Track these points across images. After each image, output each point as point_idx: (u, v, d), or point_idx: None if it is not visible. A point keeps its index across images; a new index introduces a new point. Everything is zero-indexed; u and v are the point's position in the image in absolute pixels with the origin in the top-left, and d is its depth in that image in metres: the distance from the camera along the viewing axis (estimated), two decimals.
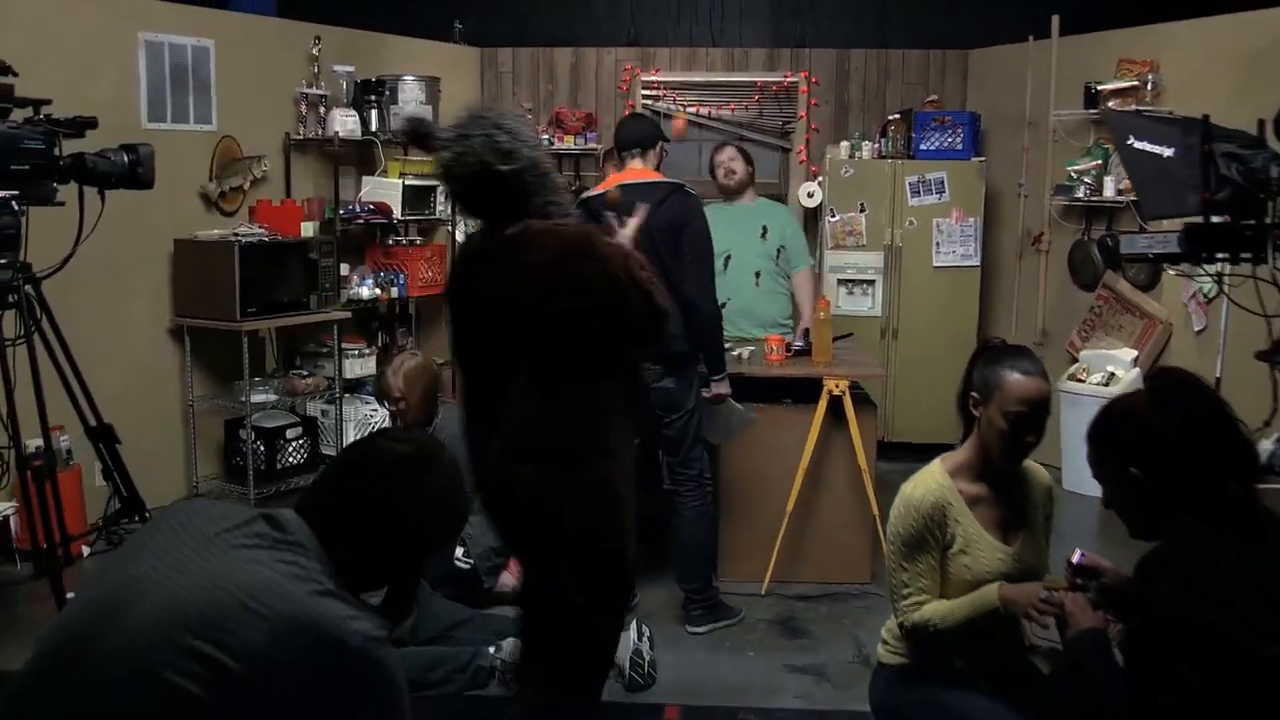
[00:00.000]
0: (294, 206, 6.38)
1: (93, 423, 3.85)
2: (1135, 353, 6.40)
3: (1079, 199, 6.66)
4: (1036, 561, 2.80)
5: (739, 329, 5.37)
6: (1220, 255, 3.53)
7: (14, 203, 3.37)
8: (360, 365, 6.63)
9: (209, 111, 6.11)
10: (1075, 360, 6.68)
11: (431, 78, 6.96)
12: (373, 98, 6.75)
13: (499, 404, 2.95)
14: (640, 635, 4.10)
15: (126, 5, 5.72)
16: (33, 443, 3.94)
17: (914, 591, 2.74)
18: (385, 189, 6.80)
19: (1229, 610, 1.95)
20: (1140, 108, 6.26)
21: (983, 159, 7.13)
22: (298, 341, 6.60)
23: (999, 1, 7.71)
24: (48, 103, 3.55)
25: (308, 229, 6.31)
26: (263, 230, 6.06)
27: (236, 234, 5.86)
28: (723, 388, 4.51)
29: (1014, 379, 2.69)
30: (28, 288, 3.53)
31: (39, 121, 3.48)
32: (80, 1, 5.46)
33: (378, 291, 6.75)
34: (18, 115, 3.46)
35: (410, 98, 6.82)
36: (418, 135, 2.99)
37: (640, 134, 4.56)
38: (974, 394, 2.77)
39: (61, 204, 3.59)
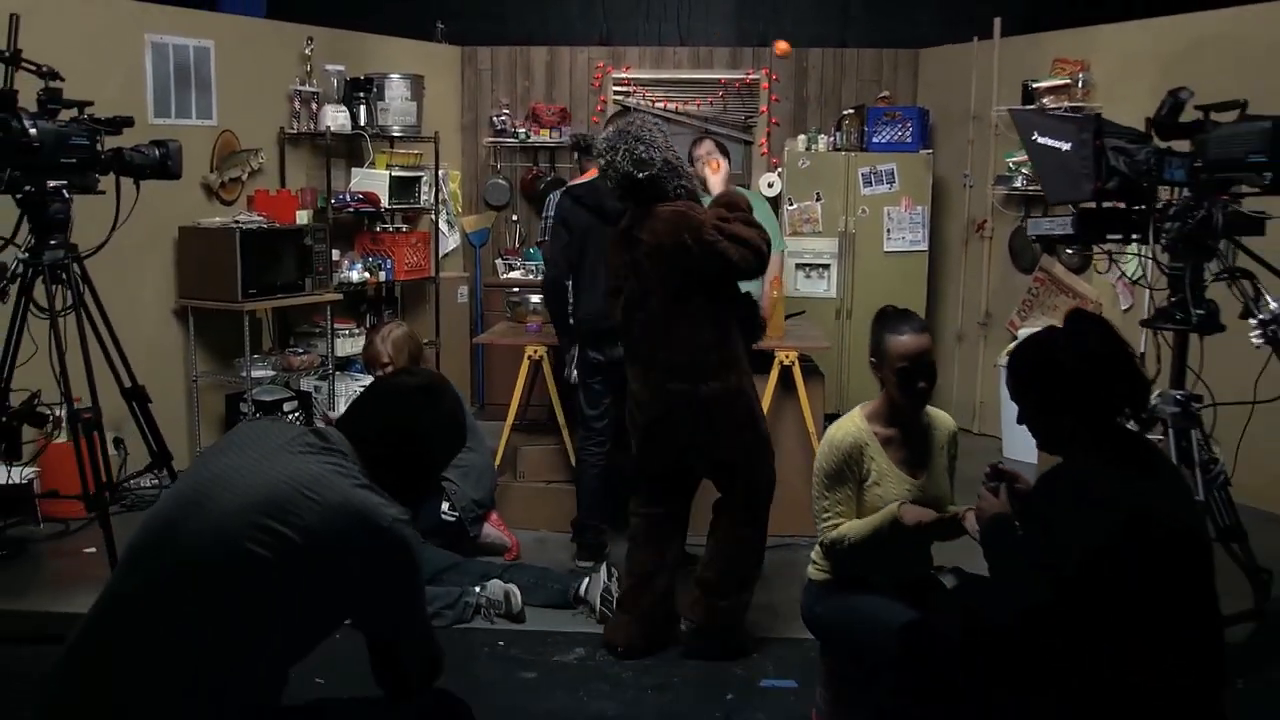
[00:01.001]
0: (289, 196, 6.83)
1: (128, 384, 4.33)
2: None
3: (1017, 188, 7.20)
4: (939, 493, 3.32)
5: None
6: (1112, 236, 4.04)
7: (64, 191, 3.85)
8: (350, 344, 7.10)
9: (210, 107, 6.55)
10: (1015, 338, 7.20)
11: (416, 75, 7.43)
12: (361, 94, 7.19)
13: (651, 346, 4.08)
14: (610, 576, 4.61)
15: (134, 9, 6.17)
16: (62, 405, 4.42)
17: (833, 515, 3.27)
18: (373, 180, 7.26)
19: (1104, 519, 2.45)
20: (1072, 104, 6.79)
21: (930, 151, 7.65)
22: (292, 321, 7.08)
23: (948, 3, 8.23)
24: (90, 104, 4.03)
25: (302, 217, 6.77)
26: (261, 218, 6.50)
27: (237, 221, 6.30)
28: None
29: (895, 340, 3.25)
30: (74, 265, 4.02)
31: (84, 120, 3.95)
32: (92, 6, 5.89)
33: (366, 275, 7.21)
34: (64, 115, 3.93)
35: (396, 94, 7.29)
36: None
37: None
38: (872, 358, 3.31)
39: (102, 193, 4.06)
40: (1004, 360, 6.89)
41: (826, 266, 7.65)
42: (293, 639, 2.23)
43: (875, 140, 7.63)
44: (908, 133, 7.60)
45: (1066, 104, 6.81)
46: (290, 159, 7.14)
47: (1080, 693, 2.46)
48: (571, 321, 5.13)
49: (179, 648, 2.10)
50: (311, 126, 7.06)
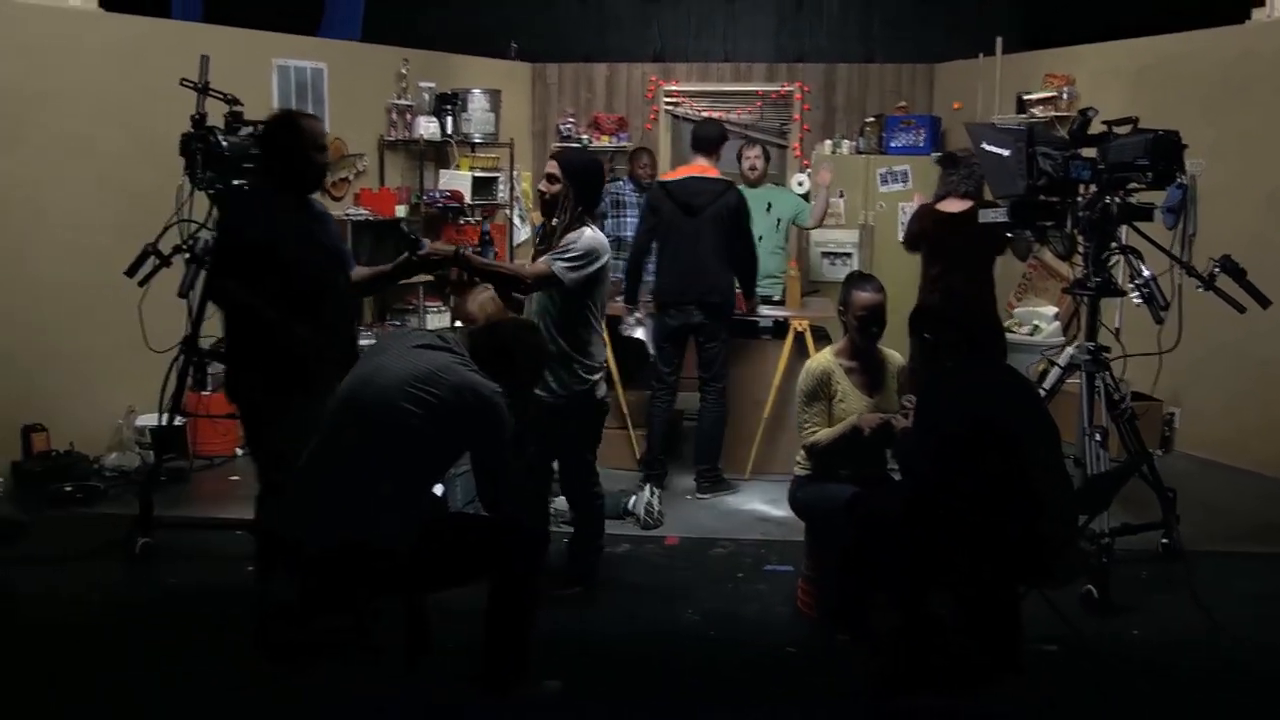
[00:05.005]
0: (388, 193, 8.08)
1: None
2: (1056, 309, 8.02)
3: None
4: (889, 408, 4.46)
5: None
6: (1045, 223, 5.13)
7: (245, 187, 5.08)
8: (437, 320, 8.31)
9: (323, 118, 7.69)
10: (1010, 316, 8.27)
11: (494, 90, 8.67)
12: (448, 107, 8.44)
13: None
14: (652, 494, 5.82)
15: (265, 38, 7.46)
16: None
17: (810, 425, 4.45)
18: (458, 180, 8.52)
19: (958, 412, 3.64)
20: (1058, 113, 7.86)
21: (940, 153, 8.72)
22: (390, 299, 8.33)
23: (960, 23, 9.33)
24: (263, 123, 5.23)
25: (399, 211, 8.01)
26: (365, 212, 7.77)
27: (347, 214, 7.57)
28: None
29: (858, 295, 4.42)
30: None
31: (258, 135, 5.14)
32: (230, 37, 7.16)
33: None
34: (244, 130, 5.15)
35: (478, 106, 8.53)
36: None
37: (710, 137, 6.45)
38: (840, 307, 4.49)
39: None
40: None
41: (849, 255, 8.73)
42: (431, 462, 3.53)
43: (893, 144, 8.74)
44: (921, 138, 8.70)
45: (1054, 114, 7.87)
46: (388, 162, 8.40)
47: (966, 533, 3.61)
48: (652, 295, 6.38)
49: (362, 468, 3.37)
50: (406, 134, 8.32)
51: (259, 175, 4.70)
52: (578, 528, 4.92)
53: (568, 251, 4.42)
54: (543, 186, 4.65)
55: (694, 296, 6.13)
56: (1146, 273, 4.77)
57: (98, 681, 3.99)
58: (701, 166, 6.30)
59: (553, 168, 4.61)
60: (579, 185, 4.55)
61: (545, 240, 4.68)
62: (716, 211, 6.14)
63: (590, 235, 4.49)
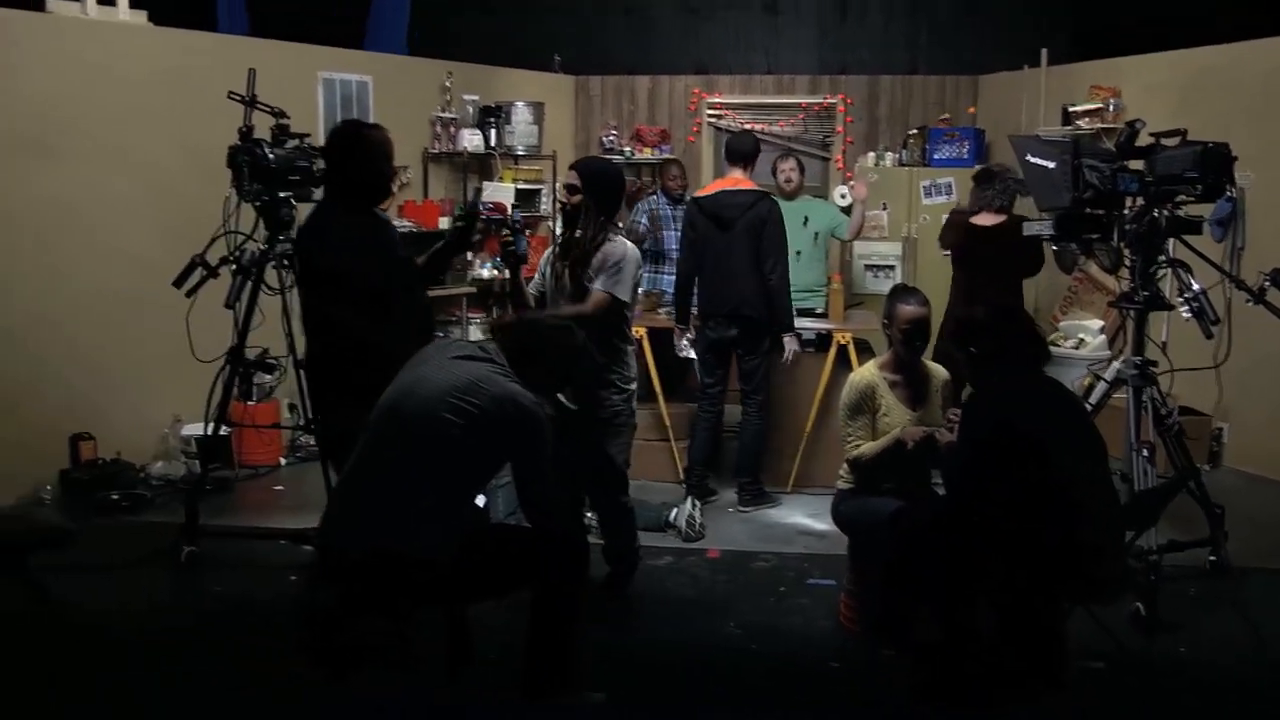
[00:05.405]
0: (432, 205, 8.15)
1: None
2: (1102, 323, 7.94)
3: None
4: (933, 423, 4.44)
5: None
6: (1091, 236, 5.09)
7: (290, 200, 5.12)
8: (480, 331, 8.36)
9: None
10: (1055, 329, 8.21)
11: (537, 103, 8.71)
12: (492, 119, 8.50)
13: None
14: (694, 506, 5.81)
15: (310, 51, 7.53)
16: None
17: (854, 438, 4.43)
18: (501, 192, 8.45)
19: (1003, 425, 3.61)
20: (1104, 125, 7.80)
21: (984, 165, 8.68)
22: (433, 310, 8.35)
23: (1004, 35, 9.28)
24: (308, 135, 5.30)
25: (442, 223, 8.06)
26: (410, 224, 7.83)
27: None
28: (790, 341, 6.23)
29: (902, 309, 4.40)
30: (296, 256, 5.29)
31: (304, 147, 5.21)
32: (276, 50, 7.24)
33: (494, 273, 8.49)
34: (290, 143, 5.19)
35: (521, 119, 8.57)
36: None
37: (744, 149, 6.39)
38: (884, 320, 4.47)
39: (315, 201, 5.33)
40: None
41: (892, 267, 8.69)
42: (472, 473, 3.53)
43: (936, 157, 8.71)
44: (964, 150, 8.66)
45: (1100, 125, 7.81)
46: (432, 174, 8.46)
47: (1011, 547, 3.58)
48: (695, 309, 6.34)
49: (403, 479, 3.39)
50: (450, 147, 8.37)
51: (325, 188, 4.73)
52: (608, 539, 4.94)
53: (617, 270, 4.48)
54: (563, 198, 4.67)
55: (728, 311, 6.11)
56: (1196, 286, 4.72)
57: (142, 689, 4.02)
58: (735, 179, 6.28)
59: (571, 178, 4.63)
60: (599, 194, 4.59)
61: (565, 250, 4.69)
62: (748, 223, 6.10)
63: (629, 246, 4.59)
